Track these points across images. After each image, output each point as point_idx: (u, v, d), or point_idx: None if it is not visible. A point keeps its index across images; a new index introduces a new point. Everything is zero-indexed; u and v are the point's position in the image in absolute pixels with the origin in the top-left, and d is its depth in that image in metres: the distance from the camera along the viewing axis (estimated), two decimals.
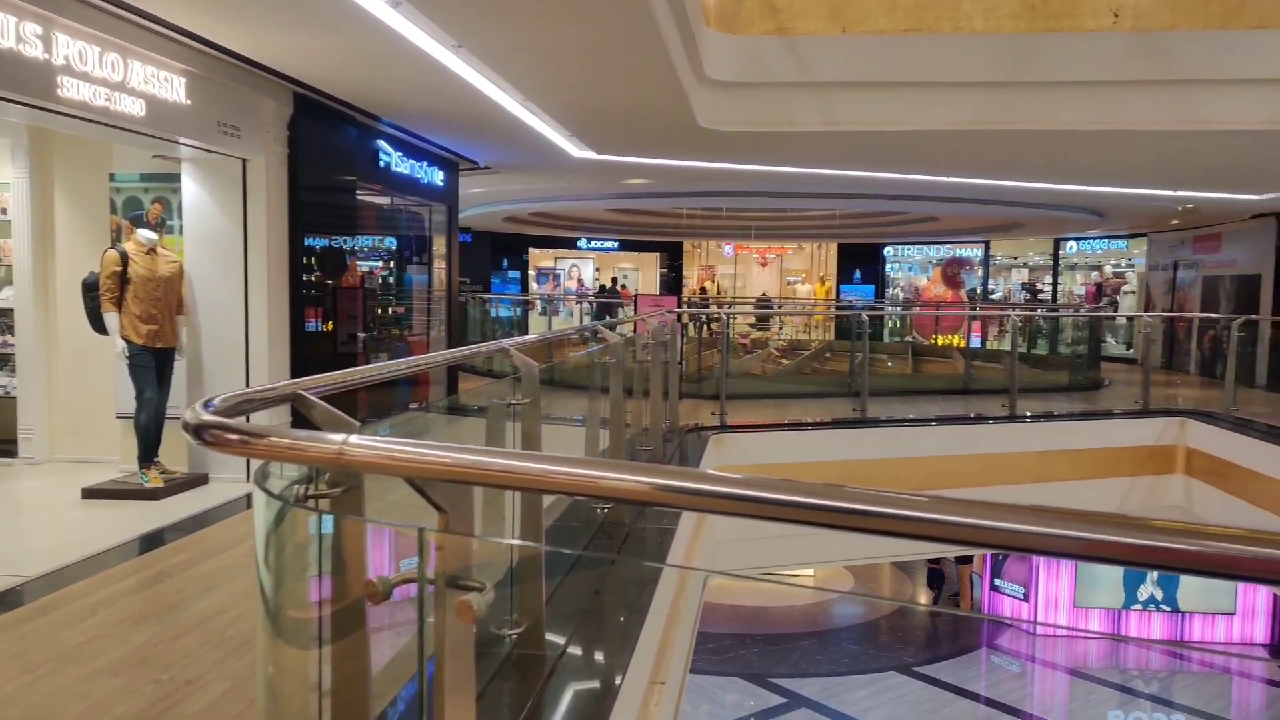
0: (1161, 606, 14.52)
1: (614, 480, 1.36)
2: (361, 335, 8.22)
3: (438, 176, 10.17)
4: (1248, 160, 10.06)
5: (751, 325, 17.00)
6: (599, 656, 3.67)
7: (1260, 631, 14.29)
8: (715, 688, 12.52)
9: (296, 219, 7.28)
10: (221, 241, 6.87)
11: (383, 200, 9.50)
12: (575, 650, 3.52)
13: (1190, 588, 14.31)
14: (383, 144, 8.77)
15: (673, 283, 24.09)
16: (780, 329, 17.85)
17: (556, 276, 26.49)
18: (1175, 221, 16.92)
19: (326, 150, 7.87)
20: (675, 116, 7.95)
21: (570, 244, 25.78)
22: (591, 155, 10.20)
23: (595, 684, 3.32)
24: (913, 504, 1.15)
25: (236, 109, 6.55)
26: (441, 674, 1.67)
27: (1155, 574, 14.25)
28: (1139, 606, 14.56)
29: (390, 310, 9.84)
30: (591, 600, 4.15)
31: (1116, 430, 9.90)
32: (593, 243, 25.75)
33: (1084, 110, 8.09)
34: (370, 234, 9.48)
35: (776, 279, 26.66)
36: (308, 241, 7.51)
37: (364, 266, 9.11)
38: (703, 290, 23.47)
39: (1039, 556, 11.85)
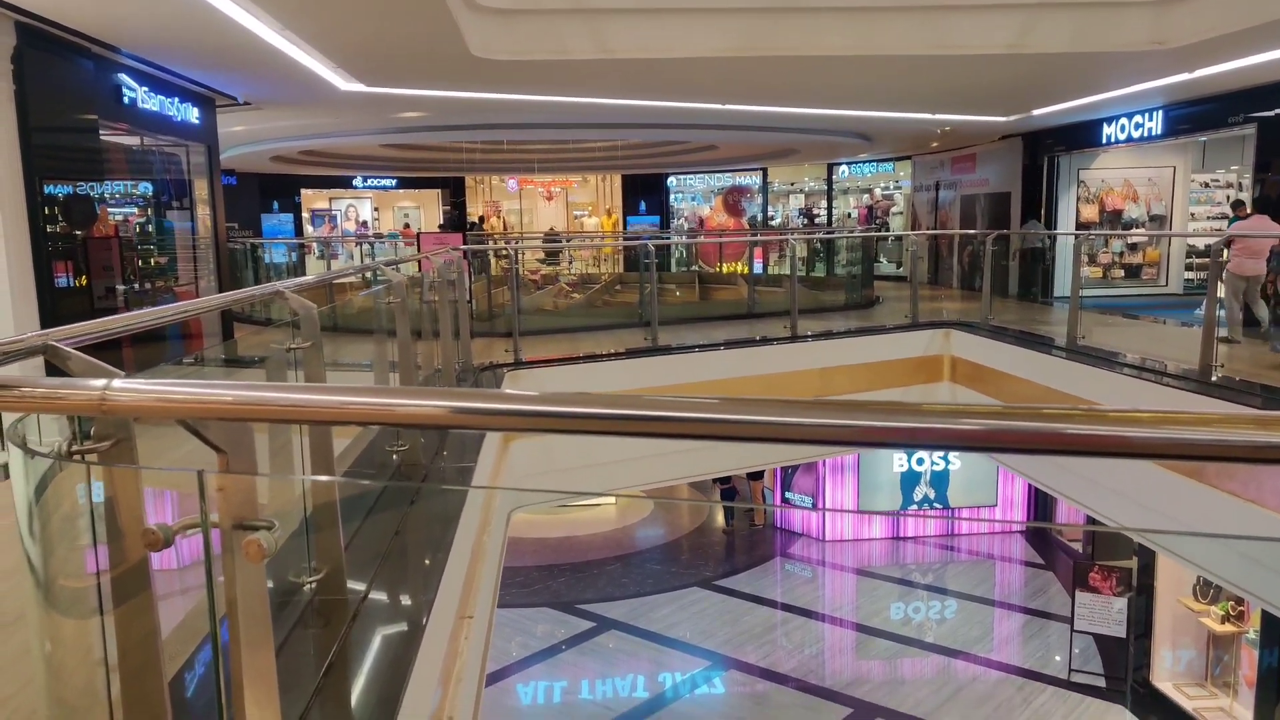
0: (935, 505, 15.93)
1: (410, 406, 1.29)
2: (121, 288, 7.48)
3: (192, 114, 9.26)
4: (994, 83, 10.88)
5: (541, 260, 16.85)
6: (403, 596, 3.57)
7: (1018, 515, 16.02)
8: (526, 619, 12.62)
9: (32, 164, 6.60)
10: None
11: (132, 141, 8.59)
12: (379, 593, 3.40)
13: (958, 485, 15.79)
14: (125, 78, 7.87)
15: (457, 220, 23.37)
16: (571, 264, 17.80)
17: (333, 218, 25.08)
18: (935, 144, 18.18)
19: (60, 87, 7.07)
20: (446, 45, 7.60)
21: (345, 183, 24.49)
22: (360, 88, 9.60)
23: (402, 624, 3.23)
24: (707, 406, 1.20)
25: None
26: (235, 621, 1.56)
27: (928, 475, 15.62)
28: (915, 506, 15.90)
29: (153, 261, 9.00)
30: (393, 541, 3.99)
31: (889, 344, 10.51)
32: (369, 181, 24.60)
33: (844, 36, 8.43)
34: (121, 179, 8.58)
35: (563, 213, 26.52)
36: (49, 189, 6.84)
37: (117, 214, 8.24)
38: (478, 222, 22.91)
39: (818, 446, 12.40)
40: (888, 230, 21.38)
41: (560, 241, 21.24)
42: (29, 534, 1.71)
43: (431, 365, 6.78)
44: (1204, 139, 13.91)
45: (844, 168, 23.37)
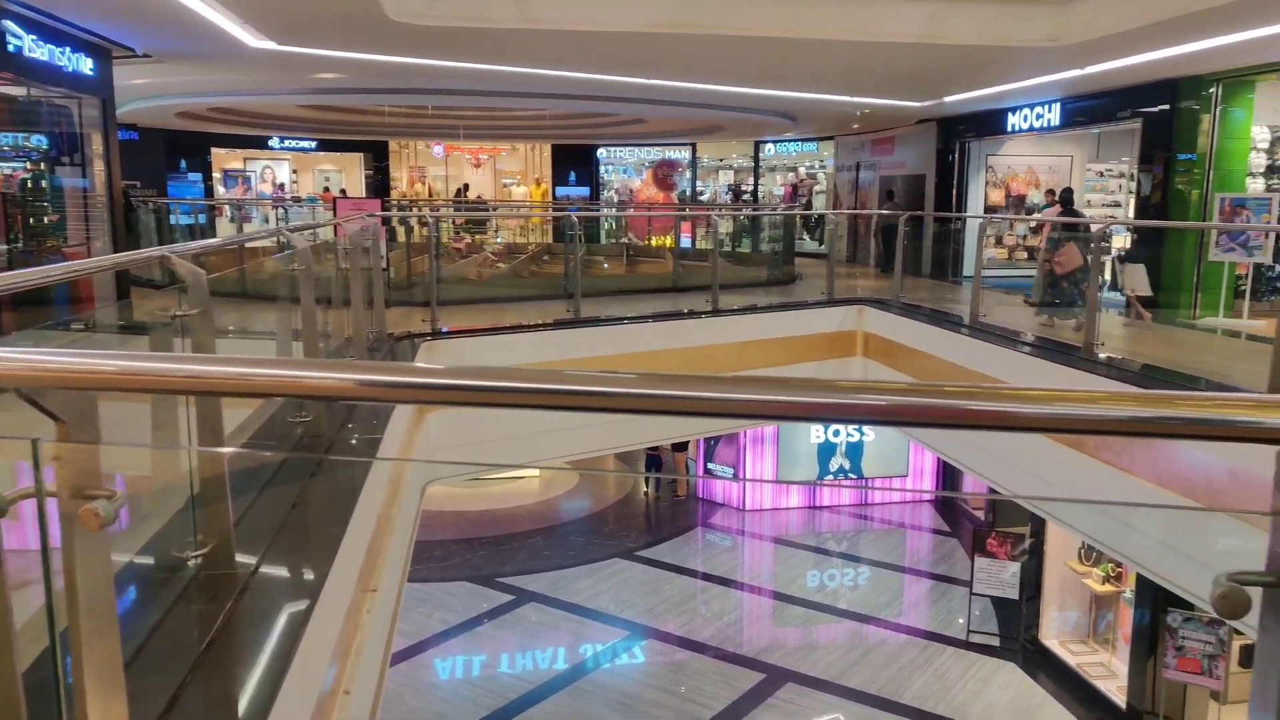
0: (849, 475, 16.35)
1: (311, 379, 1.25)
2: (4, 248, 7.13)
3: (86, 65, 8.85)
4: (908, 69, 11.12)
5: (466, 229, 16.66)
6: (298, 570, 3.54)
7: (928, 485, 16.56)
8: (445, 594, 12.61)
9: None
10: None
11: (18, 92, 8.16)
12: (272, 567, 3.36)
13: (872, 455, 16.22)
14: (10, 24, 7.47)
15: (380, 185, 22.88)
16: (497, 232, 17.63)
17: (247, 179, 24.26)
18: (856, 126, 18.45)
19: None
20: (360, 5, 7.41)
21: (261, 143, 23.62)
22: (271, 46, 9.30)
23: (294, 598, 3.19)
24: (613, 380, 1.21)
25: None
26: (75, 596, 1.52)
27: (844, 446, 16.00)
28: (831, 476, 16.30)
29: (44, 219, 8.57)
30: (291, 514, 3.94)
31: (807, 320, 10.69)
32: (286, 142, 23.78)
33: (766, 17, 8.52)
34: (5, 131, 8.14)
35: (491, 180, 26.20)
36: None
37: (1, 169, 7.84)
38: (462, 189, 22.54)
39: (732, 420, 12.45)
40: (811, 208, 21.67)
41: (483, 210, 20.99)
42: None
43: (342, 335, 6.69)
44: (1097, 131, 14.48)
45: (770, 146, 23.57)
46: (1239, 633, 8.27)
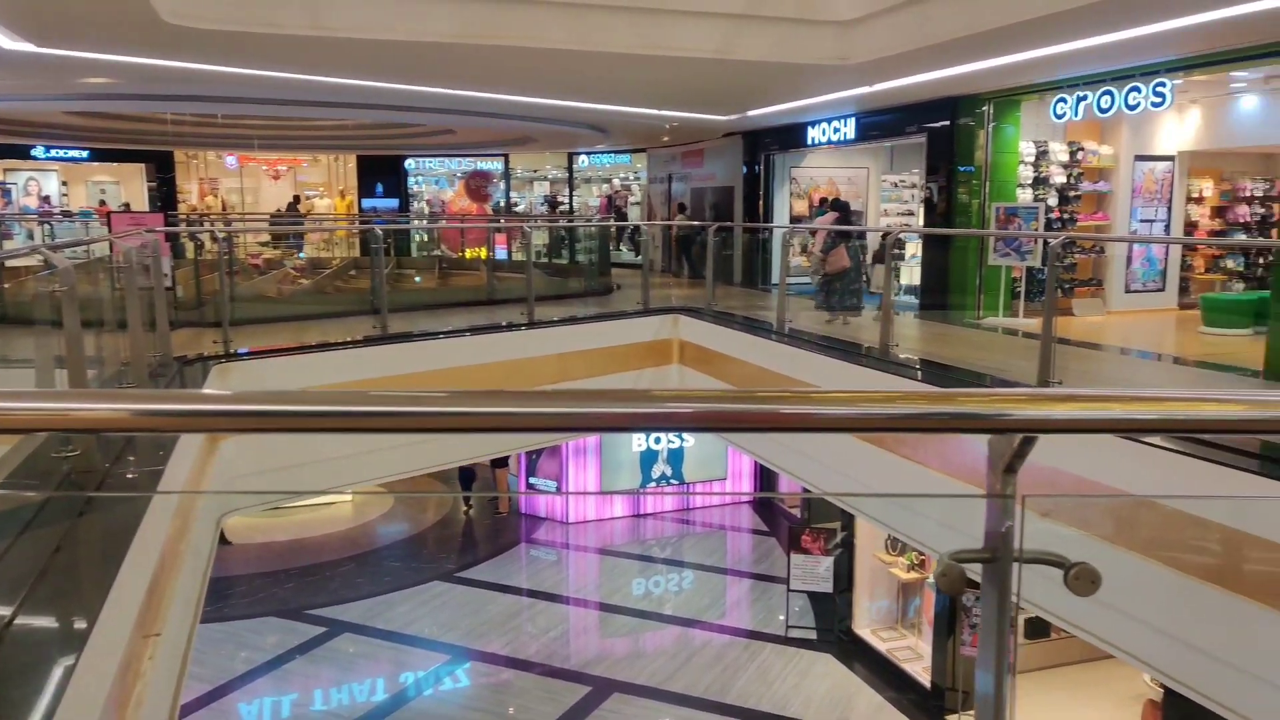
0: (671, 481, 16.61)
1: (77, 411, 1.15)
2: None
3: None
4: (710, 84, 11.45)
5: (263, 244, 15.74)
6: (64, 618, 3.14)
7: (746, 487, 17.06)
8: (250, 631, 11.82)
9: None
10: None
11: None
12: (30, 618, 2.97)
13: (692, 461, 16.54)
14: None
15: (166, 197, 21.20)
16: (300, 247, 16.77)
17: (7, 192, 21.88)
18: (666, 138, 18.85)
19: None
20: (129, 5, 6.82)
21: (23, 153, 21.43)
22: (29, 48, 8.41)
23: (57, 649, 2.82)
24: (433, 399, 1.18)
25: None
26: None
27: (665, 453, 16.23)
28: (654, 484, 16.50)
29: None
30: (53, 559, 3.51)
31: (624, 329, 10.77)
32: (53, 151, 21.70)
33: (565, 30, 8.54)
34: None
35: (292, 193, 24.91)
36: None
37: None
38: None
39: (546, 434, 12.43)
40: (626, 219, 21.96)
41: (287, 223, 19.92)
42: None
43: (118, 360, 6.10)
44: (890, 145, 15.48)
45: (584, 158, 23.72)
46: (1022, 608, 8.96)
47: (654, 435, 16.09)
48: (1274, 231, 13.03)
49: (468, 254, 17.11)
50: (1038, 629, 10.06)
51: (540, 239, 16.20)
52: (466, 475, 16.61)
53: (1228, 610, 4.29)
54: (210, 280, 10.67)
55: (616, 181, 23.95)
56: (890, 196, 15.76)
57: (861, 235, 11.39)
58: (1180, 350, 9.80)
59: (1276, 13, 6.78)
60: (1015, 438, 1.33)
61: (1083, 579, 1.38)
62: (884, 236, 11.06)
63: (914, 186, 14.82)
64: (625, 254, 19.88)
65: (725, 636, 11.97)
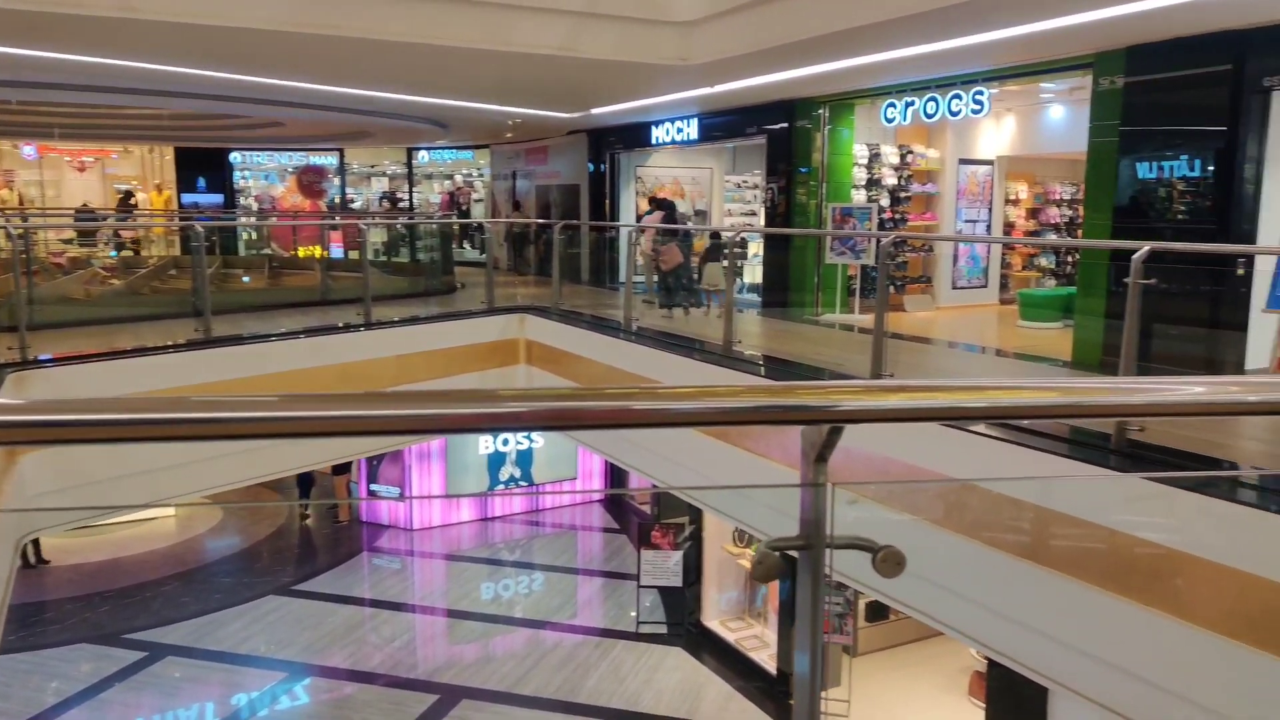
0: (520, 482, 16.41)
1: None
2: None
3: None
4: (552, 81, 11.36)
5: (67, 241, 14.49)
6: None
7: (597, 485, 17.06)
8: (61, 660, 10.88)
9: None
10: None
11: None
12: None
13: (541, 461, 16.41)
14: None
15: None
16: (116, 246, 15.55)
17: None
18: (509, 135, 18.59)
19: None
20: None
21: None
22: None
23: None
24: (261, 404, 1.12)
25: None
26: None
27: (513, 454, 16.03)
28: (502, 486, 16.26)
29: None
30: None
31: (468, 329, 10.55)
32: None
33: (402, 22, 8.26)
34: None
35: (101, 186, 23.05)
36: None
37: None
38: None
39: (379, 438, 12.08)
40: (469, 216, 21.55)
41: (96, 219, 18.40)
42: None
43: None
44: (732, 146, 15.86)
45: (424, 153, 23.12)
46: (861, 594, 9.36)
47: (502, 437, 15.87)
48: (1079, 232, 14.21)
49: (300, 252, 16.33)
50: (877, 612, 10.54)
51: (378, 237, 15.67)
52: (304, 482, 15.90)
53: (1039, 584, 4.58)
54: (4, 281, 9.72)
55: (459, 178, 23.46)
56: (734, 197, 16.14)
57: (688, 234, 11.69)
58: (1001, 343, 10.50)
59: (1072, 29, 7.32)
60: (824, 428, 1.37)
61: (889, 561, 1.43)
62: (713, 236, 11.43)
63: (756, 187, 15.22)
64: (469, 252, 19.49)
65: (577, 636, 11.94)
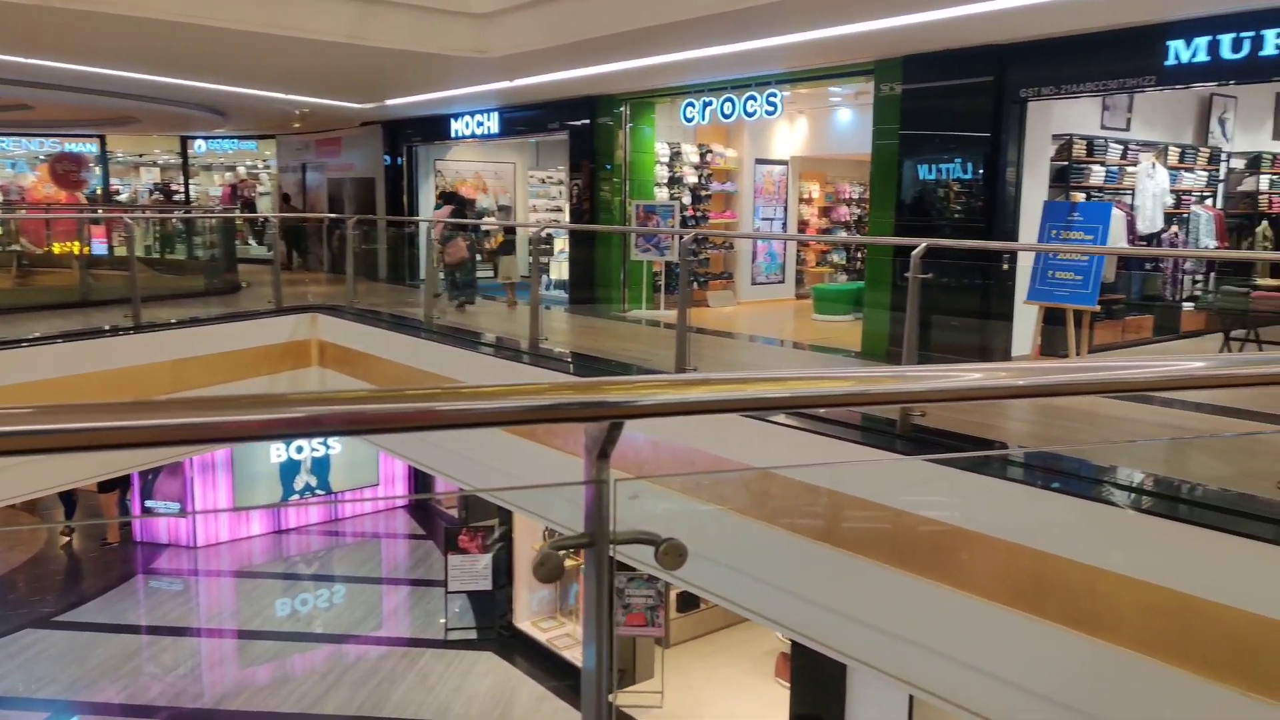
0: (317, 491, 15.56)
1: None
2: None
3: None
4: (342, 70, 10.84)
5: None
6: None
7: (400, 491, 16.47)
8: None
9: None
10: None
11: None
12: None
13: (339, 468, 15.63)
14: None
15: None
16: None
17: None
18: (297, 125, 17.61)
19: None
20: None
21: None
22: None
23: None
24: (11, 417, 1.03)
25: None
26: None
27: (309, 462, 15.20)
28: (297, 496, 15.35)
29: None
30: None
31: (253, 331, 9.95)
32: None
33: (179, 1, 7.61)
34: None
35: None
36: None
37: None
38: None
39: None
40: (254, 210, 20.26)
41: None
42: None
43: None
44: (535, 141, 15.75)
45: (201, 142, 21.51)
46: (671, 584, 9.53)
47: (295, 444, 15.01)
48: (866, 229, 15.18)
49: (56, 249, 14.73)
50: (688, 602, 10.77)
51: (148, 232, 14.40)
52: (67, 501, 14.39)
53: (835, 565, 4.80)
54: None
55: (242, 169, 22.00)
56: (539, 193, 16.03)
57: (477, 229, 11.64)
58: (797, 336, 11.00)
59: (853, 38, 7.76)
60: (605, 424, 1.37)
61: (671, 554, 1.46)
62: (508, 232, 11.40)
63: (561, 183, 15.18)
64: (255, 248, 18.29)
65: (382, 647, 11.47)
